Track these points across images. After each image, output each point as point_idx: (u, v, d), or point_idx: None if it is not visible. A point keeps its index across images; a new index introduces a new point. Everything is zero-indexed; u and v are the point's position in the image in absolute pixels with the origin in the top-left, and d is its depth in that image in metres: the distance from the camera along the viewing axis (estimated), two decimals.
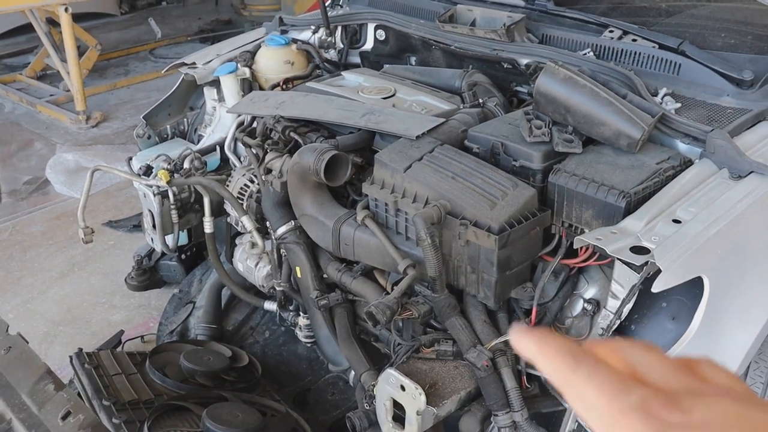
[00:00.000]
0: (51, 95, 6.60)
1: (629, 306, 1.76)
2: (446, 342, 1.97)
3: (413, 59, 3.00)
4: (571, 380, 0.51)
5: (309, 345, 2.70)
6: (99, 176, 4.67)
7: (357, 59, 3.19)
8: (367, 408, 2.05)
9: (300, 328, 2.64)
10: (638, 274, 1.72)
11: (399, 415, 1.87)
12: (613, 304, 1.83)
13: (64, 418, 1.70)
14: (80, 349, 2.75)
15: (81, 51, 6.34)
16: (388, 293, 2.08)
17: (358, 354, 2.23)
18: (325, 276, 2.37)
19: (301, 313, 2.63)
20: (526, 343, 0.54)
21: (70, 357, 2.72)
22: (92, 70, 6.91)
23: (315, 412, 2.75)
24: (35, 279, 3.94)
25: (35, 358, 1.93)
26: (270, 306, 2.78)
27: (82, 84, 6.00)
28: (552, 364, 0.52)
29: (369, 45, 3.15)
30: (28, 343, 2.02)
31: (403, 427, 1.85)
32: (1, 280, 3.93)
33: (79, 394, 2.53)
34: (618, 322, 1.78)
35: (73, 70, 5.94)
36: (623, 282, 1.80)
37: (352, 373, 2.33)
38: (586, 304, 1.97)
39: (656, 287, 1.62)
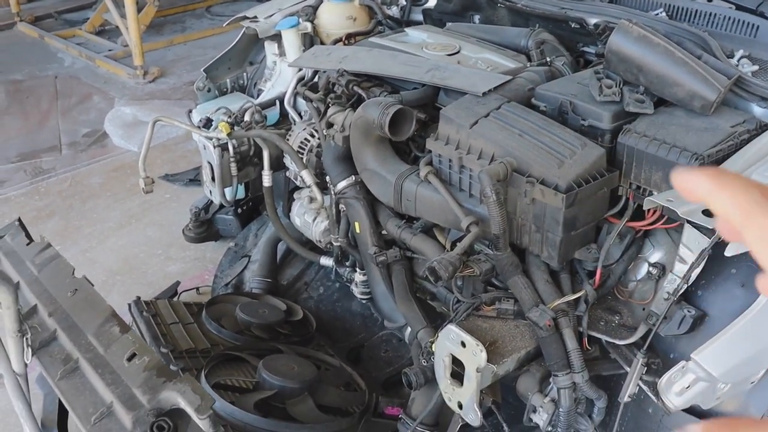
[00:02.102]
0: (109, 50, 6.67)
1: (697, 271, 1.72)
2: (507, 300, 1.95)
3: (477, 18, 2.95)
4: (756, 217, 0.47)
5: (364, 301, 2.71)
6: (157, 129, 4.69)
7: (419, 17, 3.14)
8: (424, 365, 2.05)
9: (356, 284, 2.65)
10: (709, 238, 1.68)
11: (457, 371, 1.86)
12: (680, 269, 1.79)
13: (129, 359, 1.73)
14: (138, 298, 2.81)
15: (139, 7, 6.38)
16: (448, 251, 2.06)
17: (415, 311, 2.22)
18: (383, 232, 2.37)
19: (357, 269, 2.63)
20: (696, 180, 0.50)
21: (129, 305, 2.77)
22: (149, 26, 6.96)
23: (368, 367, 2.77)
24: (94, 229, 4.02)
25: (101, 300, 1.96)
26: (326, 261, 2.79)
27: (140, 39, 6.05)
28: (732, 199, 0.48)
29: (432, 2, 3.09)
30: (93, 285, 2.06)
31: (461, 384, 1.84)
32: (61, 228, 4.01)
33: None
34: (685, 286, 1.74)
35: (132, 26, 6.00)
36: (692, 246, 1.76)
37: (408, 330, 2.34)
38: (651, 268, 1.93)
39: (729, 251, 1.58)
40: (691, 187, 0.50)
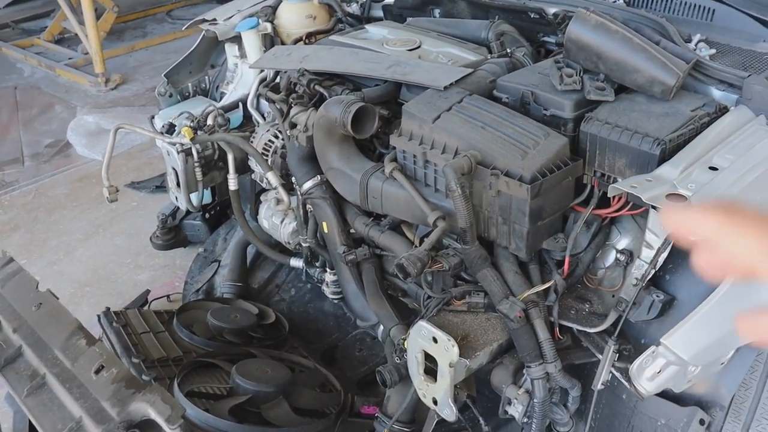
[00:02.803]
0: (69, 58, 6.58)
1: (664, 255, 1.73)
2: (477, 294, 1.95)
3: (437, 11, 2.94)
4: None
5: (336, 301, 2.69)
6: (120, 137, 4.66)
7: (379, 13, 3.13)
8: (398, 362, 2.04)
9: (327, 284, 2.63)
10: None
11: (430, 367, 1.86)
12: (647, 254, 1.80)
13: (97, 372, 1.70)
14: (108, 308, 2.77)
15: (98, 13, 6.31)
16: (416, 247, 2.06)
17: (387, 308, 2.21)
18: (352, 231, 2.35)
19: (327, 269, 2.62)
20: (704, 216, 0.47)
21: (98, 316, 2.74)
22: (110, 32, 6.88)
23: (343, 367, 2.75)
24: (60, 241, 3.96)
25: (66, 313, 1.93)
26: (296, 263, 2.77)
27: (100, 46, 5.98)
28: (747, 237, 0.45)
29: None
30: (58, 299, 2.02)
31: (435, 380, 1.84)
32: (26, 242, 3.95)
33: None
34: (653, 272, 1.75)
35: (91, 33, 5.92)
36: (658, 231, 1.77)
37: (380, 328, 2.32)
38: (619, 255, 1.94)
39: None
40: (691, 226, 0.47)
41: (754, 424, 1.80)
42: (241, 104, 2.96)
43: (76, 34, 6.42)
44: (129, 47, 6.89)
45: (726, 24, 2.26)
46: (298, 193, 2.45)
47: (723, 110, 1.96)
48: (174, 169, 2.83)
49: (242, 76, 3.04)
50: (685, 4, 2.35)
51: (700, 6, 2.31)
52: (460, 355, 1.76)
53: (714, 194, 1.63)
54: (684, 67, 1.96)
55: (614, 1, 2.44)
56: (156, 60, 6.57)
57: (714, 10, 2.28)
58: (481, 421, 1.99)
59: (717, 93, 2.04)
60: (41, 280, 2.07)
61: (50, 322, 1.91)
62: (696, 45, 2.19)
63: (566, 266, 1.92)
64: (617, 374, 1.77)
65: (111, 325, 2.68)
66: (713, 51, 2.15)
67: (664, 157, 1.79)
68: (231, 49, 3.13)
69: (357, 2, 3.17)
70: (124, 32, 7.34)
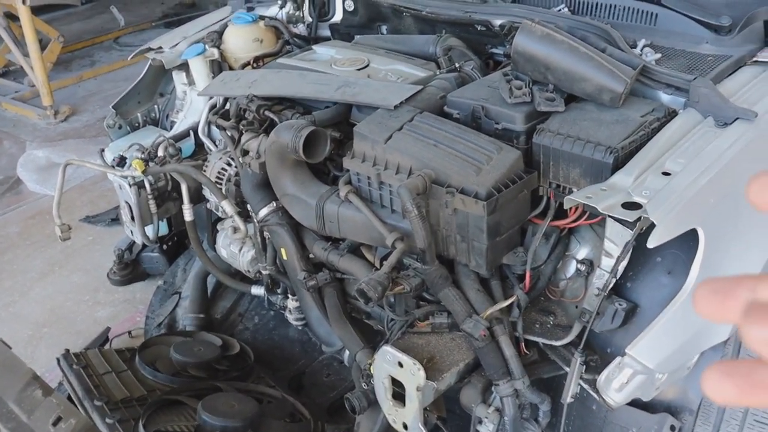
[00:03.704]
0: (16, 92, 6.44)
1: (624, 263, 1.73)
2: (441, 314, 1.93)
3: (384, 28, 2.93)
4: None
5: (300, 327, 2.65)
6: (72, 171, 4.59)
7: (327, 32, 3.11)
8: (365, 387, 2.01)
9: (290, 311, 2.59)
10: (631, 230, 1.69)
11: (398, 392, 1.83)
12: (607, 263, 1.79)
13: (55, 424, 1.65)
14: (67, 350, 2.69)
15: (43, 44, 6.18)
16: (377, 269, 2.03)
17: (351, 333, 2.18)
18: (311, 256, 2.32)
19: (289, 296, 2.58)
20: (723, 385, 0.45)
21: (58, 359, 2.66)
22: (56, 63, 6.74)
23: (311, 394, 2.71)
24: (15, 281, 3.86)
25: (20, 363, 1.87)
26: (257, 291, 2.73)
27: (47, 78, 5.86)
28: None
29: (338, 17, 3.06)
30: (11, 348, 1.95)
31: (404, 404, 1.81)
32: None
33: (69, 397, 2.47)
34: (614, 280, 1.74)
35: (37, 65, 5.80)
36: (616, 239, 1.77)
37: (347, 352, 2.30)
38: (579, 265, 1.94)
39: (651, 242, 1.58)
40: (718, 395, 0.44)
41: (724, 425, 1.81)
42: (192, 132, 2.91)
43: (22, 67, 6.29)
44: (77, 77, 6.77)
45: (669, 27, 2.28)
46: (255, 220, 2.41)
47: (672, 114, 1.97)
48: (127, 202, 2.77)
49: (192, 104, 2.99)
50: (629, 9, 2.36)
51: (642, 11, 2.33)
52: (427, 378, 1.75)
53: (669, 199, 1.64)
54: (631, 74, 1.97)
55: (559, 10, 2.45)
56: (105, 89, 6.46)
57: (657, 15, 2.30)
58: None
59: (665, 97, 2.05)
60: None
61: (3, 373, 1.84)
62: (641, 50, 2.20)
63: (527, 280, 1.92)
64: (586, 386, 1.76)
65: (71, 367, 2.60)
66: (659, 55, 2.17)
67: (618, 165, 1.80)
68: (179, 77, 3.08)
69: (303, 22, 3.14)
70: (71, 62, 7.22)
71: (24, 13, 5.56)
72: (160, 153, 2.73)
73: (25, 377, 1.81)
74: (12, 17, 6.18)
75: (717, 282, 0.45)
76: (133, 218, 2.78)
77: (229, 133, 2.53)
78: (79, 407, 2.32)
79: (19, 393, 1.76)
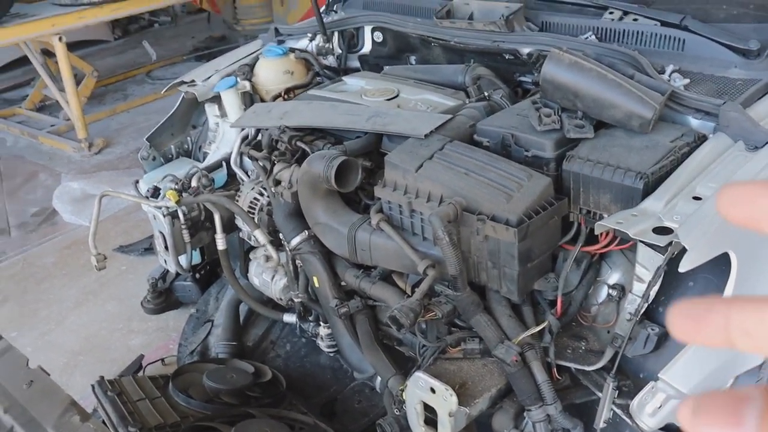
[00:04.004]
0: (52, 125, 6.59)
1: (656, 288, 1.73)
2: (472, 340, 1.94)
3: (413, 58, 2.97)
4: None
5: (332, 354, 2.67)
6: (107, 202, 4.64)
7: (356, 63, 3.16)
8: (397, 413, 2.02)
9: (321, 338, 2.61)
10: (663, 255, 1.69)
11: (431, 418, 1.84)
12: (639, 288, 1.79)
13: None
14: (102, 377, 2.73)
15: (78, 79, 6.33)
16: (408, 296, 2.05)
17: (383, 359, 2.20)
18: (343, 283, 2.34)
19: (321, 323, 2.60)
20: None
21: (92, 386, 2.69)
22: (91, 97, 6.90)
23: (343, 421, 2.72)
24: (51, 310, 3.92)
25: (58, 390, 1.90)
26: (289, 318, 2.75)
27: (81, 112, 5.99)
28: None
29: (367, 48, 3.12)
30: (49, 375, 1.99)
31: (436, 430, 1.82)
32: (16, 314, 3.91)
33: (104, 423, 2.50)
34: (646, 305, 1.74)
35: (72, 99, 5.94)
36: (648, 264, 1.77)
37: (378, 379, 2.30)
38: (611, 290, 1.94)
39: (683, 267, 1.59)
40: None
41: None
42: (224, 163, 2.96)
43: (58, 101, 6.44)
44: (110, 110, 6.91)
45: (697, 53, 2.29)
46: (287, 249, 2.44)
47: (702, 139, 1.98)
48: (161, 232, 2.82)
49: (224, 135, 3.05)
50: (656, 35, 2.38)
51: (670, 36, 2.34)
52: (459, 404, 1.75)
53: (700, 224, 1.64)
54: (660, 99, 1.98)
55: (587, 38, 2.47)
56: (138, 121, 6.58)
57: (684, 40, 2.31)
58: None
59: (694, 122, 2.06)
60: (33, 352, 2.05)
61: (42, 399, 1.88)
62: (670, 75, 2.21)
63: (559, 305, 1.92)
64: (618, 411, 1.76)
65: (105, 394, 2.63)
66: (687, 80, 2.18)
67: (648, 190, 1.80)
68: (211, 109, 3.14)
69: (333, 54, 3.19)
70: (104, 96, 7.37)
71: (60, 50, 5.70)
72: (194, 184, 2.78)
73: (64, 403, 1.84)
74: (48, 54, 6.34)
75: (689, 305, 0.47)
76: (166, 248, 2.83)
77: (261, 164, 2.57)
78: None
79: (57, 419, 1.79)
